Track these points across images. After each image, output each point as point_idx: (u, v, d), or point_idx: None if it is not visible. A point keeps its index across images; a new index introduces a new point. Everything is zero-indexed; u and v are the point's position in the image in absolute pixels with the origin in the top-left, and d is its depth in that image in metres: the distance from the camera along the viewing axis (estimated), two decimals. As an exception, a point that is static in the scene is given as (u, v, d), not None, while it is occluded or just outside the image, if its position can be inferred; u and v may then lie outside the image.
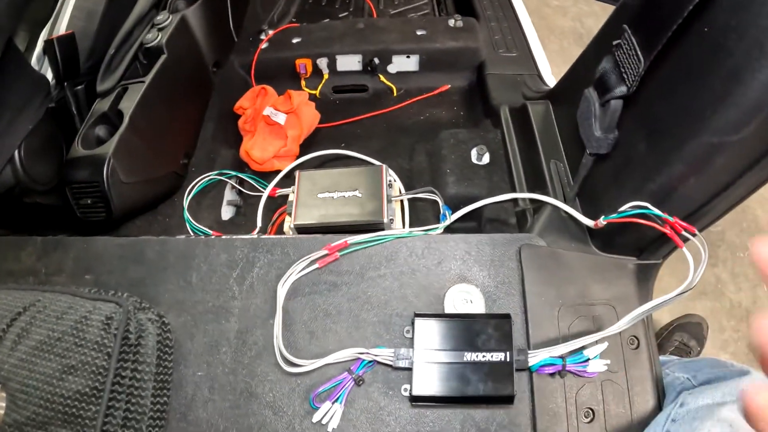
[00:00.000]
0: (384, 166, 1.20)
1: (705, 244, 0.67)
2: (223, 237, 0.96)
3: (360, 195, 1.15)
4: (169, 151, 1.30)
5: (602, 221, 0.81)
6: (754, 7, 0.58)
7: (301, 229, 1.14)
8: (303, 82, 1.60)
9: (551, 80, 1.52)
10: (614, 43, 0.73)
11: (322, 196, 1.16)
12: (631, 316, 0.74)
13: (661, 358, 1.15)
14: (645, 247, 0.85)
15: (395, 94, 1.60)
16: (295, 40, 1.59)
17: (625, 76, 0.72)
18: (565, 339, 0.82)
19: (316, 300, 0.88)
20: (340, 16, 1.91)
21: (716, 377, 0.91)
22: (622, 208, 0.77)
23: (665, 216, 0.72)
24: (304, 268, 0.89)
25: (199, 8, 1.42)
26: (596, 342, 0.78)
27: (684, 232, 0.71)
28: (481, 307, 0.87)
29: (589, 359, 0.78)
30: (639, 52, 0.68)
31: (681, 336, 1.77)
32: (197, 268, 0.92)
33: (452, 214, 1.04)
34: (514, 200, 1.14)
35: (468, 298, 0.88)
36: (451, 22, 1.60)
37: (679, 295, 0.69)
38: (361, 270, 0.90)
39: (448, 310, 0.87)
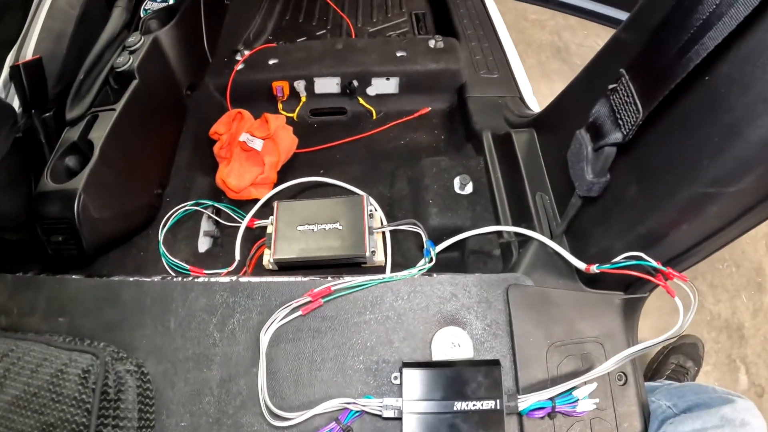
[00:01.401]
0: (364, 196, 1.17)
1: (695, 290, 0.67)
2: (201, 280, 0.92)
3: (341, 227, 1.12)
4: (142, 182, 1.25)
5: (595, 269, 0.80)
6: (762, 61, 0.56)
7: (281, 264, 1.11)
8: (280, 105, 1.57)
9: (533, 102, 1.51)
10: (610, 87, 0.71)
11: (301, 228, 1.13)
12: (620, 357, 0.74)
13: (655, 383, 1.15)
14: (632, 283, 0.85)
15: (374, 117, 1.57)
16: (271, 61, 1.55)
17: (621, 123, 0.69)
18: (554, 380, 0.81)
19: (301, 347, 0.85)
20: (318, 33, 1.87)
21: (698, 404, 0.91)
22: (616, 259, 0.76)
23: (660, 267, 0.71)
24: (286, 315, 0.85)
25: (172, 29, 1.37)
26: (585, 382, 0.78)
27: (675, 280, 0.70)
28: (469, 351, 0.84)
29: (578, 399, 0.77)
30: (638, 102, 0.66)
31: (677, 358, 1.76)
32: (175, 312, 0.88)
33: (435, 247, 1.01)
34: (499, 231, 1.12)
35: (456, 341, 0.86)
36: (432, 43, 1.57)
37: (667, 340, 0.69)
38: (346, 315, 0.87)
39: (435, 356, 0.85)
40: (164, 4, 1.42)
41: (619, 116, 0.71)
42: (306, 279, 0.90)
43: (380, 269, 1.15)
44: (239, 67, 1.54)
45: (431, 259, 0.97)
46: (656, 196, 0.73)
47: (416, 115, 1.56)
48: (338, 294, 0.88)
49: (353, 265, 1.14)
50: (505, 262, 1.10)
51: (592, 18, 2.10)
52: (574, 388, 0.77)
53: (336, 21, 1.92)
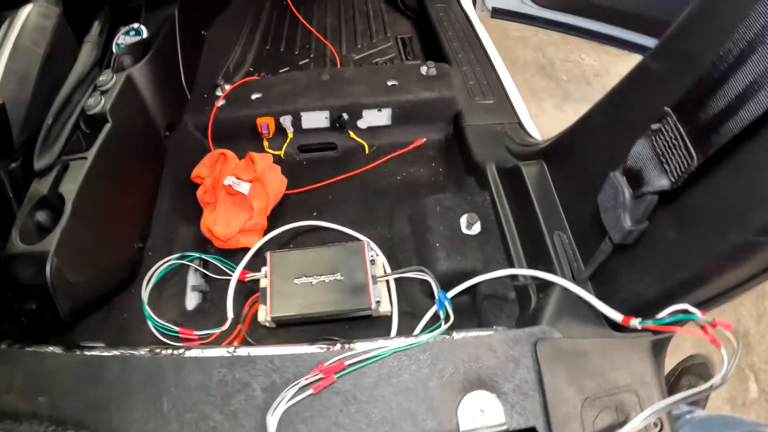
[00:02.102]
0: (365, 241, 1.10)
1: (739, 338, 0.63)
2: (194, 353, 0.81)
3: (341, 278, 1.04)
4: (121, 237, 1.14)
5: (637, 324, 0.72)
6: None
7: (279, 322, 1.01)
8: (266, 143, 1.47)
9: (531, 127, 1.44)
10: (653, 128, 0.64)
11: (299, 281, 1.04)
12: (656, 408, 0.66)
13: (678, 411, 1.13)
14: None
15: (367, 152, 1.48)
16: (254, 96, 1.46)
17: (668, 170, 0.62)
18: (592, 439, 0.74)
19: (313, 429, 0.74)
20: (301, 63, 1.78)
21: None
22: (662, 315, 0.68)
23: (708, 320, 0.64)
24: (295, 394, 0.75)
25: (146, 64, 1.25)
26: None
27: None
28: (499, 415, 0.75)
29: (615, 455, 0.69)
30: (690, 147, 0.58)
31: (689, 380, 1.70)
32: (167, 392, 0.77)
33: (448, 299, 0.94)
34: (515, 274, 1.04)
35: (484, 407, 0.76)
36: (424, 70, 1.50)
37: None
38: (362, 389, 0.77)
39: (463, 425, 0.75)
40: (138, 38, 1.32)
41: (664, 160, 0.63)
42: (313, 348, 0.80)
43: (386, 320, 1.07)
44: (220, 103, 1.44)
45: (447, 316, 0.89)
46: (699, 243, 0.68)
47: (411, 147, 1.48)
48: (352, 369, 0.77)
49: (358, 318, 1.06)
50: (523, 307, 1.02)
51: (579, 34, 2.03)
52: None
53: (319, 49, 1.83)
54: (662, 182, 0.63)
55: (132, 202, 1.19)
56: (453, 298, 0.98)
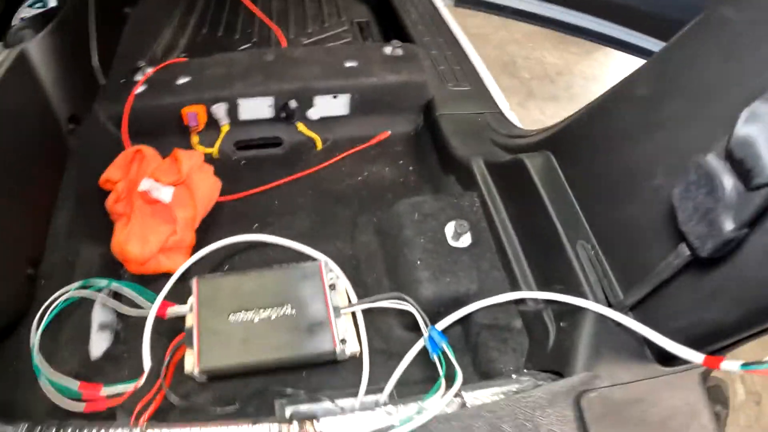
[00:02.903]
0: (322, 260, 0.87)
1: None
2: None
3: (293, 312, 0.78)
4: (4, 262, 0.84)
5: (737, 369, 0.52)
6: None
7: (212, 374, 0.74)
8: (195, 138, 1.18)
9: (514, 119, 1.24)
10: None
11: (235, 317, 0.78)
12: None
13: None
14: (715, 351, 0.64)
15: (320, 148, 1.22)
16: (181, 81, 1.17)
17: None
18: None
19: None
20: (241, 48, 1.50)
21: None
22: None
23: None
24: None
25: (46, 38, 0.99)
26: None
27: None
28: None
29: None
30: None
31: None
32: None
33: (442, 337, 0.73)
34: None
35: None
36: (388, 50, 1.26)
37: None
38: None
39: None
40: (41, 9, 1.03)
41: None
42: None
43: (354, 363, 0.82)
44: (139, 89, 1.15)
45: (453, 374, 0.67)
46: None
47: (374, 141, 1.23)
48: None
49: (316, 364, 0.81)
50: (535, 339, 0.82)
51: (549, 26, 1.84)
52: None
53: (263, 34, 1.57)
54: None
55: (19, 217, 0.90)
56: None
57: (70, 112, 1.06)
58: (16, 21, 1.04)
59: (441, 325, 0.78)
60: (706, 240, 0.54)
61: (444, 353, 0.72)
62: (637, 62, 1.67)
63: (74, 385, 0.75)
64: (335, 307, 0.81)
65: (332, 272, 0.87)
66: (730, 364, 0.52)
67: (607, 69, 2.96)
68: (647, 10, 1.58)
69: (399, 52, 1.25)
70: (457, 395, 0.64)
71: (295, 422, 0.56)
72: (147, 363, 0.77)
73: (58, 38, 1.02)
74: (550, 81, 2.80)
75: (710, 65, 0.64)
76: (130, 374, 0.78)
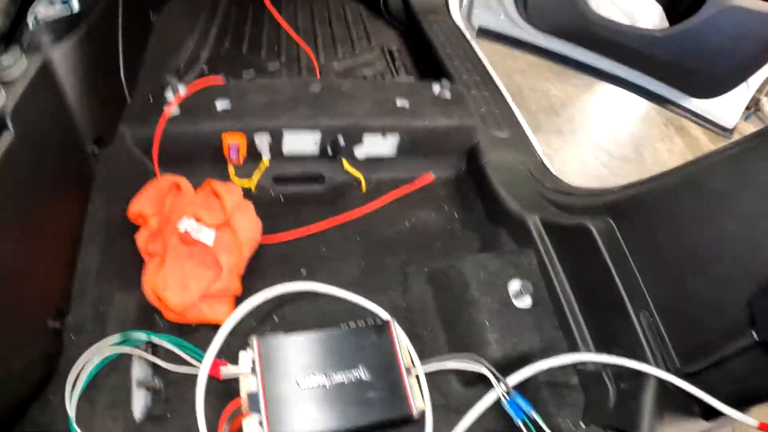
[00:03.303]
0: (392, 321, 0.82)
1: None
2: None
3: (366, 376, 0.73)
4: (25, 314, 0.73)
5: None
6: None
7: None
8: (232, 170, 1.09)
9: (549, 166, 1.21)
10: None
11: (305, 383, 0.71)
12: None
13: None
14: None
15: (364, 189, 1.14)
16: (220, 106, 1.08)
17: None
18: None
19: None
20: (269, 66, 1.42)
21: None
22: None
23: None
24: None
25: (74, 48, 0.86)
26: None
27: None
28: None
29: None
30: None
31: None
32: None
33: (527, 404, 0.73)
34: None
35: None
36: (437, 90, 1.19)
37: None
38: None
39: None
40: (65, 14, 0.91)
41: None
42: None
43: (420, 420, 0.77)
44: (173, 111, 1.05)
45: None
46: None
47: (418, 185, 1.16)
48: None
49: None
50: (592, 397, 0.83)
51: (569, 65, 1.82)
52: None
53: (291, 53, 1.48)
54: None
55: (41, 257, 0.78)
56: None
57: (95, 134, 0.94)
58: (30, 19, 0.89)
59: (511, 382, 0.77)
60: None
61: (533, 420, 0.72)
62: (631, 97, 1.67)
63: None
64: (408, 368, 0.76)
65: (399, 330, 0.81)
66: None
67: (605, 103, 2.99)
68: (657, 54, 1.58)
69: (447, 94, 1.19)
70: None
71: None
72: (203, 430, 0.69)
73: (85, 48, 0.89)
74: (555, 113, 2.81)
75: None
76: None
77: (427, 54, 1.48)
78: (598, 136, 2.75)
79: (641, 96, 1.72)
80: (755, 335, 0.65)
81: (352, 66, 1.49)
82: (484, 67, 1.45)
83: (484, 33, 1.86)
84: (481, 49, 1.56)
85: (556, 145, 2.59)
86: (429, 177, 1.18)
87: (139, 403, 0.77)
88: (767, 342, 0.65)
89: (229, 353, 0.76)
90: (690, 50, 1.51)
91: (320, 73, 1.41)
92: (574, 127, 2.72)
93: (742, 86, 1.50)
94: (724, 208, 0.72)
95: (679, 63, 1.56)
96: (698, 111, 1.63)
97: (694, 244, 0.75)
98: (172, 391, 0.79)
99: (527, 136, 1.26)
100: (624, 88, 1.74)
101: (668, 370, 0.75)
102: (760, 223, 0.68)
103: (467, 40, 1.55)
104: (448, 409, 0.80)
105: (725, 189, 0.73)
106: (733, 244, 0.70)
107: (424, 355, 0.82)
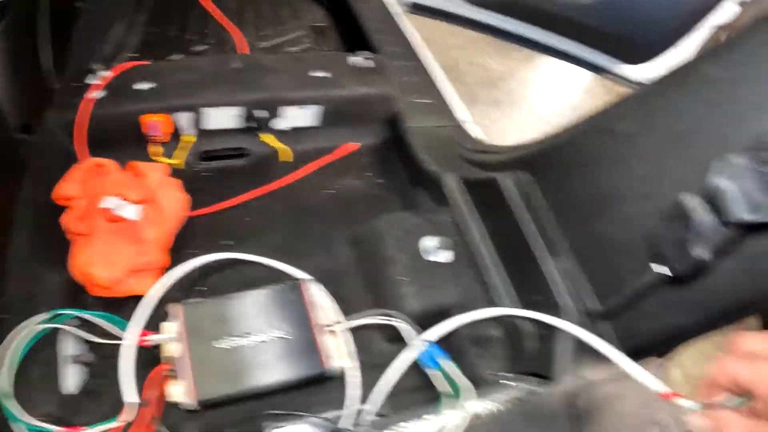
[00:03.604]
0: (304, 279, 0.85)
1: None
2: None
3: (283, 335, 0.77)
4: None
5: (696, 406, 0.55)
6: None
7: (207, 404, 0.72)
8: (156, 149, 1.11)
9: (476, 131, 1.26)
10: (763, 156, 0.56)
11: (225, 344, 0.75)
12: None
13: None
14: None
15: (286, 159, 1.18)
16: (143, 86, 1.09)
17: None
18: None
19: None
20: (198, 49, 1.44)
21: None
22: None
23: None
24: None
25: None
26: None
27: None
28: None
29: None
30: None
31: None
32: None
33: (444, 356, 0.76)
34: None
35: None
36: (357, 60, 1.23)
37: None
38: None
39: None
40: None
41: None
42: None
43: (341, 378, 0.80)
44: (97, 94, 1.06)
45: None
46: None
47: (341, 153, 1.20)
48: None
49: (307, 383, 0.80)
50: (517, 347, 0.86)
51: (507, 38, 1.86)
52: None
53: (219, 35, 1.50)
54: (763, 214, 0.55)
55: None
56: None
57: (21, 120, 0.96)
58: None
59: (431, 334, 0.80)
60: (681, 263, 0.64)
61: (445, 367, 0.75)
62: (571, 68, 1.72)
63: (54, 431, 0.70)
64: (322, 325, 0.79)
65: (315, 290, 0.85)
66: (689, 404, 0.57)
67: (545, 75, 3.05)
68: (587, 23, 1.63)
69: (367, 63, 1.23)
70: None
71: None
72: (132, 397, 0.72)
73: (10, 36, 0.93)
74: (493, 86, 2.85)
75: (687, 112, 0.71)
76: (111, 409, 0.71)
77: (353, 29, 1.51)
78: (538, 108, 2.82)
79: (578, 66, 1.77)
80: (663, 269, 0.68)
81: (280, 44, 1.51)
82: (408, 39, 1.49)
83: (419, 8, 1.89)
84: (418, 25, 1.61)
85: (494, 117, 2.65)
86: (352, 145, 1.22)
87: (73, 377, 0.80)
88: (675, 277, 0.68)
89: (157, 326, 0.79)
90: (619, 17, 1.57)
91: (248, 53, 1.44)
92: (512, 99, 2.78)
93: (675, 50, 1.56)
94: (631, 151, 0.76)
95: (610, 30, 1.61)
96: (631, 77, 1.69)
97: (604, 188, 0.79)
98: (106, 364, 0.81)
99: (449, 103, 1.31)
100: (561, 59, 1.79)
101: (587, 313, 0.79)
102: (662, 161, 0.72)
103: (394, 15, 1.58)
104: (372, 366, 0.82)
105: (632, 131, 0.77)
106: (640, 183, 0.74)
107: (350, 315, 0.85)
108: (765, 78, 0.64)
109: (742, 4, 1.43)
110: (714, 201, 0.59)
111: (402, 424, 0.67)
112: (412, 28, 1.58)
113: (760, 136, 0.57)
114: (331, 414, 0.74)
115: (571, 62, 1.77)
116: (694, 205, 0.61)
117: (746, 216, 0.56)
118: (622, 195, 0.76)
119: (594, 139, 0.84)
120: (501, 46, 2.97)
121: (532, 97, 2.88)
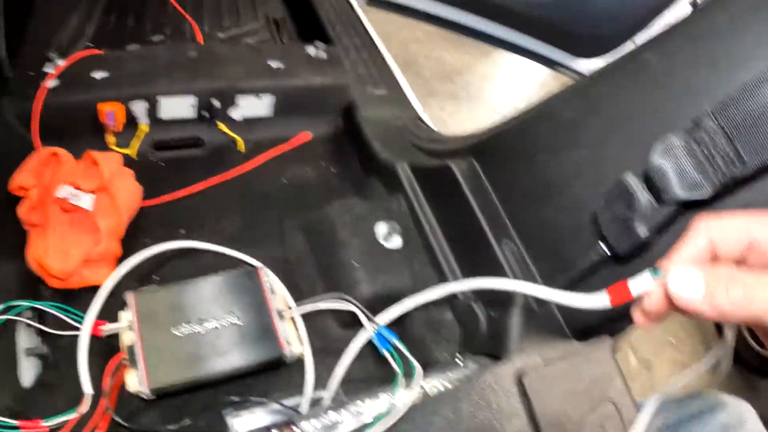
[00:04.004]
0: (260, 267, 0.87)
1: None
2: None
3: (237, 321, 0.78)
4: None
5: (649, 275, 0.57)
6: None
7: (162, 392, 0.73)
8: (111, 138, 1.11)
9: (428, 121, 1.30)
10: (696, 137, 0.57)
11: (180, 330, 0.76)
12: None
13: None
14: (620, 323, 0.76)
15: (241, 149, 1.19)
16: (98, 75, 1.09)
17: (711, 179, 0.56)
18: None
19: None
20: (155, 39, 1.44)
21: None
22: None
23: None
24: None
25: None
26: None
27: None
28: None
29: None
30: (743, 155, 0.53)
31: None
32: None
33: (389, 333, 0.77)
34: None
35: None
36: (312, 51, 1.26)
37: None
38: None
39: None
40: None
41: (703, 169, 0.57)
42: None
43: (297, 365, 0.83)
44: (51, 83, 1.06)
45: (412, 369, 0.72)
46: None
47: (295, 143, 1.22)
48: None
49: (264, 370, 0.82)
50: (468, 329, 0.89)
51: (465, 33, 1.90)
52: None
53: (177, 25, 1.50)
54: (701, 191, 0.57)
55: None
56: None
57: None
58: None
59: (381, 321, 0.80)
60: (623, 242, 0.66)
61: (396, 348, 0.76)
62: (528, 64, 1.77)
63: (12, 424, 0.71)
64: (279, 312, 0.81)
65: (267, 277, 0.87)
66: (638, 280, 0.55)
67: (502, 70, 3.11)
68: (542, 18, 1.67)
69: (323, 54, 1.26)
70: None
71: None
72: (87, 388, 0.73)
73: None
74: (450, 80, 2.90)
75: (628, 98, 0.74)
76: (67, 401, 0.72)
77: (311, 21, 1.53)
78: (494, 101, 2.88)
79: (533, 60, 1.82)
80: (605, 249, 0.71)
81: (237, 35, 1.52)
82: (366, 31, 1.51)
83: (376, 2, 1.92)
84: (375, 19, 1.63)
85: (450, 110, 2.71)
86: (306, 135, 1.24)
87: (28, 371, 0.79)
88: (617, 256, 0.70)
89: (111, 313, 0.80)
90: (574, 13, 1.61)
91: (204, 43, 1.45)
92: (469, 93, 2.84)
93: (629, 44, 1.60)
94: (575, 137, 0.79)
95: (564, 26, 1.66)
96: (586, 71, 1.74)
97: (549, 173, 0.82)
98: (62, 356, 0.81)
99: (404, 94, 1.34)
100: (517, 53, 1.83)
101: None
102: (605, 145, 0.75)
103: (351, 7, 1.61)
104: (327, 352, 0.83)
105: (575, 118, 0.80)
106: (583, 168, 0.77)
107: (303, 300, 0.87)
108: (701, 63, 0.67)
109: (693, 5, 1.48)
110: (653, 181, 0.61)
111: (359, 402, 0.69)
112: (368, 21, 1.60)
113: (696, 118, 0.58)
114: (289, 401, 0.75)
115: (527, 56, 1.82)
116: (635, 184, 0.64)
117: (682, 194, 0.58)
118: (567, 180, 0.79)
119: (539, 127, 0.87)
120: (457, 41, 3.03)
121: (488, 91, 2.94)
